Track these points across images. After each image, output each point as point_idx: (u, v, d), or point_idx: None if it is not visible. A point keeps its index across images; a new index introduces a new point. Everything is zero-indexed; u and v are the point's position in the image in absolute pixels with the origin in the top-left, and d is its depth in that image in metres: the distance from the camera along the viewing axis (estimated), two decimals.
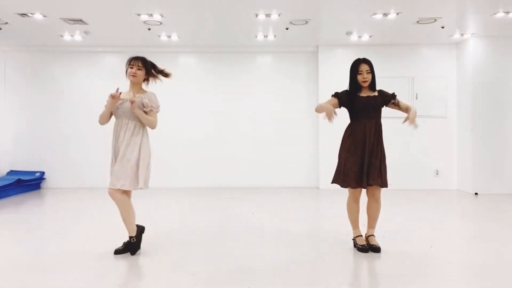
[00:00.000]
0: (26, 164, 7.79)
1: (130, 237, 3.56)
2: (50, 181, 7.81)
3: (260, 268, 3.20)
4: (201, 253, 3.61)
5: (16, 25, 6.25)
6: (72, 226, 4.68)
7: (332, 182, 3.63)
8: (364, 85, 3.54)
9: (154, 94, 3.67)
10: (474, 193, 7.00)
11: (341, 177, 3.54)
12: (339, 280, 2.96)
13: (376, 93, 3.61)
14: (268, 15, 5.86)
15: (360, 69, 3.54)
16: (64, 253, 3.55)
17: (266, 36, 7.02)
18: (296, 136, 7.81)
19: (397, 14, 5.80)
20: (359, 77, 3.54)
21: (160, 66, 3.85)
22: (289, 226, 4.64)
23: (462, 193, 7.21)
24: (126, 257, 3.46)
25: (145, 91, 3.66)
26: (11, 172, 7.65)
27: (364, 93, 3.58)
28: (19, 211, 5.76)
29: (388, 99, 3.58)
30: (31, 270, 3.17)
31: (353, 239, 3.68)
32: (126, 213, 3.49)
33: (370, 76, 3.54)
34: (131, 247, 3.54)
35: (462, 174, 7.42)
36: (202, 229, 4.53)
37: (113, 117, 3.60)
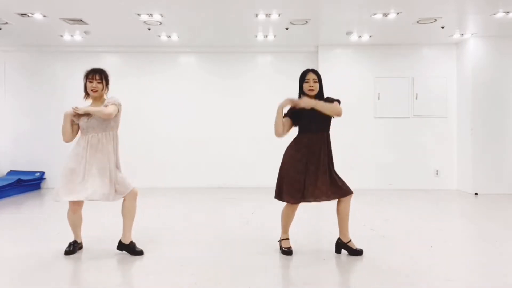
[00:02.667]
0: (26, 164, 7.79)
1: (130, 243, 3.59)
2: (50, 181, 7.80)
3: (260, 268, 3.20)
4: (201, 253, 3.61)
5: (16, 25, 6.25)
6: None
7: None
8: (310, 94, 3.50)
9: (113, 96, 3.60)
10: (474, 193, 7.00)
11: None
12: (339, 280, 2.96)
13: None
14: (268, 15, 5.86)
15: (307, 78, 3.52)
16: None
17: (266, 36, 7.02)
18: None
19: (397, 14, 5.80)
20: (305, 86, 3.52)
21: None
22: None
23: (462, 193, 7.21)
24: (127, 257, 3.46)
25: (105, 99, 3.59)
26: (11, 172, 7.65)
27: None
28: (19, 211, 5.76)
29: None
30: (31, 270, 3.17)
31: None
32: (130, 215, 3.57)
33: (317, 85, 3.51)
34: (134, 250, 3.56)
35: (462, 174, 7.42)
36: (202, 229, 4.53)
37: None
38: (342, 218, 3.50)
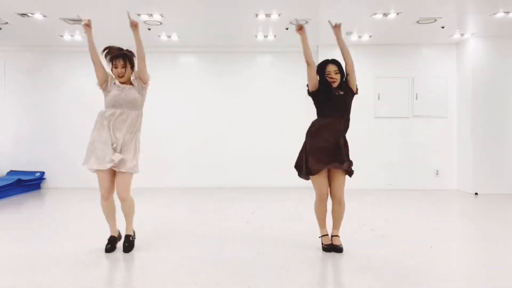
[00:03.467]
0: (26, 164, 7.79)
1: (129, 236, 3.62)
2: (50, 181, 7.81)
3: (260, 268, 3.20)
4: (201, 253, 3.61)
5: (16, 25, 6.25)
6: (72, 226, 4.68)
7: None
8: (334, 85, 3.54)
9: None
10: (474, 193, 7.01)
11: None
12: (339, 280, 2.96)
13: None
14: (268, 15, 5.86)
15: (328, 70, 3.55)
16: (64, 253, 3.55)
17: (266, 36, 7.02)
18: (297, 136, 7.79)
19: (397, 14, 5.80)
20: (328, 78, 3.54)
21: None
22: (289, 226, 4.64)
23: (462, 193, 7.21)
24: (126, 257, 3.46)
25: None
26: (11, 172, 7.65)
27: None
28: (19, 211, 5.76)
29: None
30: (32, 270, 3.17)
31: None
32: (132, 209, 3.60)
33: (338, 76, 3.54)
34: (131, 245, 3.60)
35: (462, 174, 7.42)
36: (202, 229, 4.53)
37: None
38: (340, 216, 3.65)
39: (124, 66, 3.49)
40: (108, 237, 3.66)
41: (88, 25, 3.52)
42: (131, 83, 3.56)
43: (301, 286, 2.84)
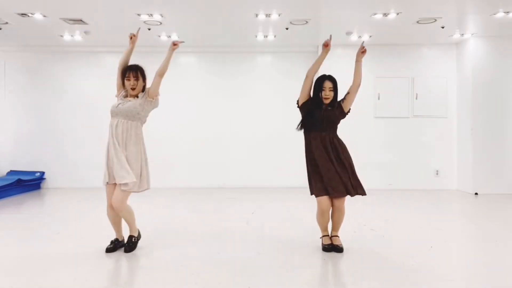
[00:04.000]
0: (26, 164, 7.79)
1: (132, 236, 3.64)
2: (50, 181, 7.81)
3: (260, 268, 3.20)
4: (201, 253, 3.61)
5: (16, 25, 6.25)
6: (72, 226, 4.68)
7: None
8: (325, 102, 3.63)
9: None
10: (474, 193, 7.01)
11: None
12: (339, 280, 2.96)
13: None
14: (268, 15, 5.86)
15: (324, 86, 3.61)
16: (64, 253, 3.55)
17: (266, 36, 7.02)
18: (297, 136, 7.79)
19: (397, 14, 5.80)
20: (322, 93, 3.62)
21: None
22: (289, 226, 4.64)
23: (462, 193, 7.21)
24: (126, 257, 3.46)
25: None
26: (11, 172, 7.65)
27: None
28: (19, 211, 5.76)
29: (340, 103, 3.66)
30: (32, 270, 3.17)
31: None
32: (130, 216, 3.59)
33: (332, 93, 3.62)
34: (132, 245, 3.61)
35: (462, 174, 7.42)
36: (202, 229, 4.53)
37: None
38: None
39: (137, 78, 3.57)
40: (112, 238, 3.69)
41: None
42: (136, 96, 3.60)
43: (301, 286, 2.84)
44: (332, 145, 3.57)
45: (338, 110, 3.66)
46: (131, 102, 3.54)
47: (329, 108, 3.64)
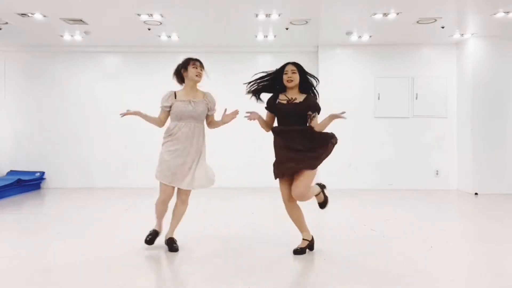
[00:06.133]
0: (26, 164, 7.79)
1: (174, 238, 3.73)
2: (50, 181, 7.81)
3: (260, 268, 3.20)
4: (201, 253, 3.61)
5: (16, 25, 6.25)
6: (72, 226, 4.68)
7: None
8: (289, 85, 3.54)
9: (211, 94, 3.92)
10: (474, 193, 7.01)
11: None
12: (339, 280, 2.96)
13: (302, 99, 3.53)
14: (268, 15, 5.86)
15: (286, 69, 3.56)
16: (64, 253, 3.55)
17: (266, 36, 7.02)
18: None
19: (397, 14, 5.80)
20: (284, 77, 3.56)
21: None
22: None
23: (462, 193, 7.21)
24: (126, 257, 3.46)
25: (202, 91, 3.82)
26: (11, 172, 7.65)
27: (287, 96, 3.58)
28: (19, 211, 5.76)
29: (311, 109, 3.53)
30: (32, 270, 3.17)
31: None
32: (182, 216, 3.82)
33: (296, 75, 3.52)
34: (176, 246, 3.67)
35: (462, 174, 7.42)
36: (202, 229, 4.54)
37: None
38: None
39: (202, 67, 3.70)
40: (150, 230, 3.75)
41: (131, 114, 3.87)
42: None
43: (301, 286, 2.84)
44: (301, 137, 3.67)
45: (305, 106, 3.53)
46: (201, 106, 3.85)
47: (296, 101, 3.53)
